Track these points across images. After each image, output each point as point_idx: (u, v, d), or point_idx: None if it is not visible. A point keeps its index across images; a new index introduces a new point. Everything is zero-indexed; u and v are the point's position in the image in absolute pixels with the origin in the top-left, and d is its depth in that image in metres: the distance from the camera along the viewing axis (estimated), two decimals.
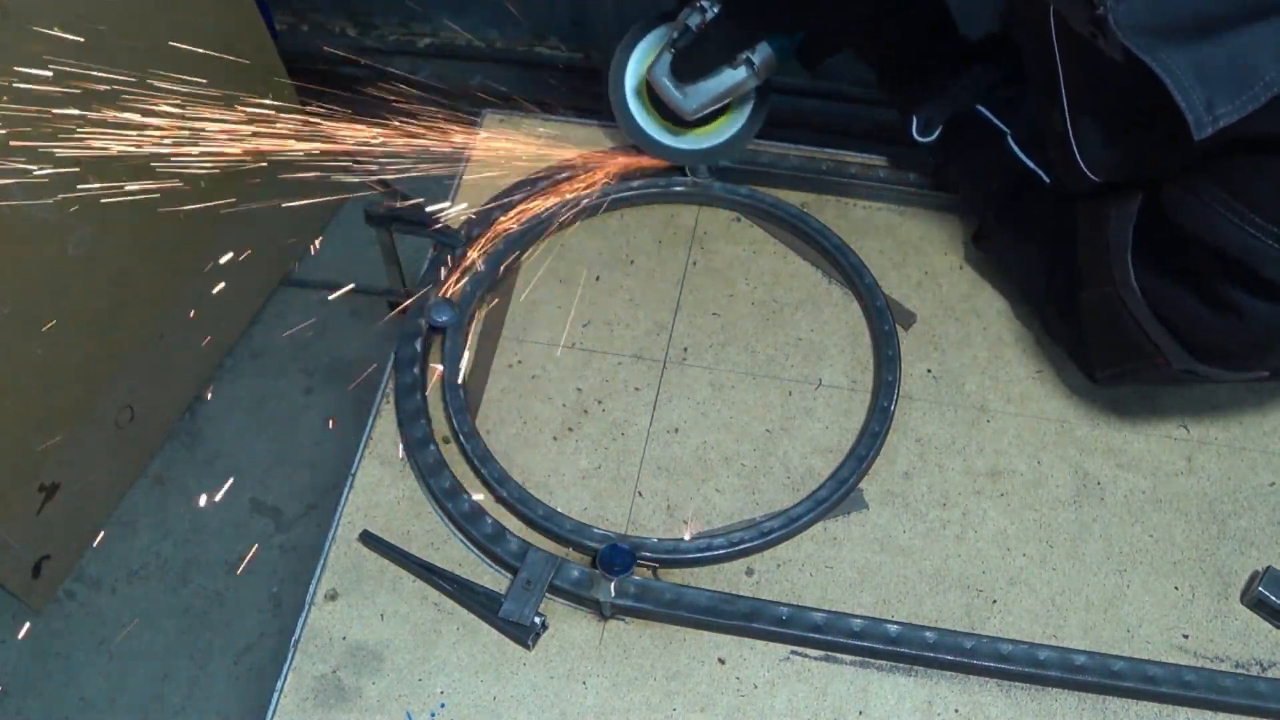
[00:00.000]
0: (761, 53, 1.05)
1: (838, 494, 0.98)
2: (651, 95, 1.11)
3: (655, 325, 1.11)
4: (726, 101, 1.09)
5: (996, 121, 1.07)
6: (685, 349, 1.09)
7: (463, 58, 2.08)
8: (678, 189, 1.18)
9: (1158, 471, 1.02)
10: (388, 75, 2.10)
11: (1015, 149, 1.05)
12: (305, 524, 1.90)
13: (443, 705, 0.89)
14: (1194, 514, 0.99)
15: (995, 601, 0.94)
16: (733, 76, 1.06)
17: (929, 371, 1.08)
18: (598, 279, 1.14)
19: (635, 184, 1.18)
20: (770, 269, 1.15)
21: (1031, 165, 1.04)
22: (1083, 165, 0.84)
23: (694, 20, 1.04)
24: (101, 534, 1.86)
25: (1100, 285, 0.92)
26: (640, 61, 1.13)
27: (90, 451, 1.76)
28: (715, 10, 1.03)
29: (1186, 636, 0.93)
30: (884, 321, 1.08)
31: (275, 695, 0.90)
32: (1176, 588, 0.95)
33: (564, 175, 1.16)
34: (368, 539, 0.96)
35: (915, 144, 1.11)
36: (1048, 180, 1.03)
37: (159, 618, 1.80)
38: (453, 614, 0.93)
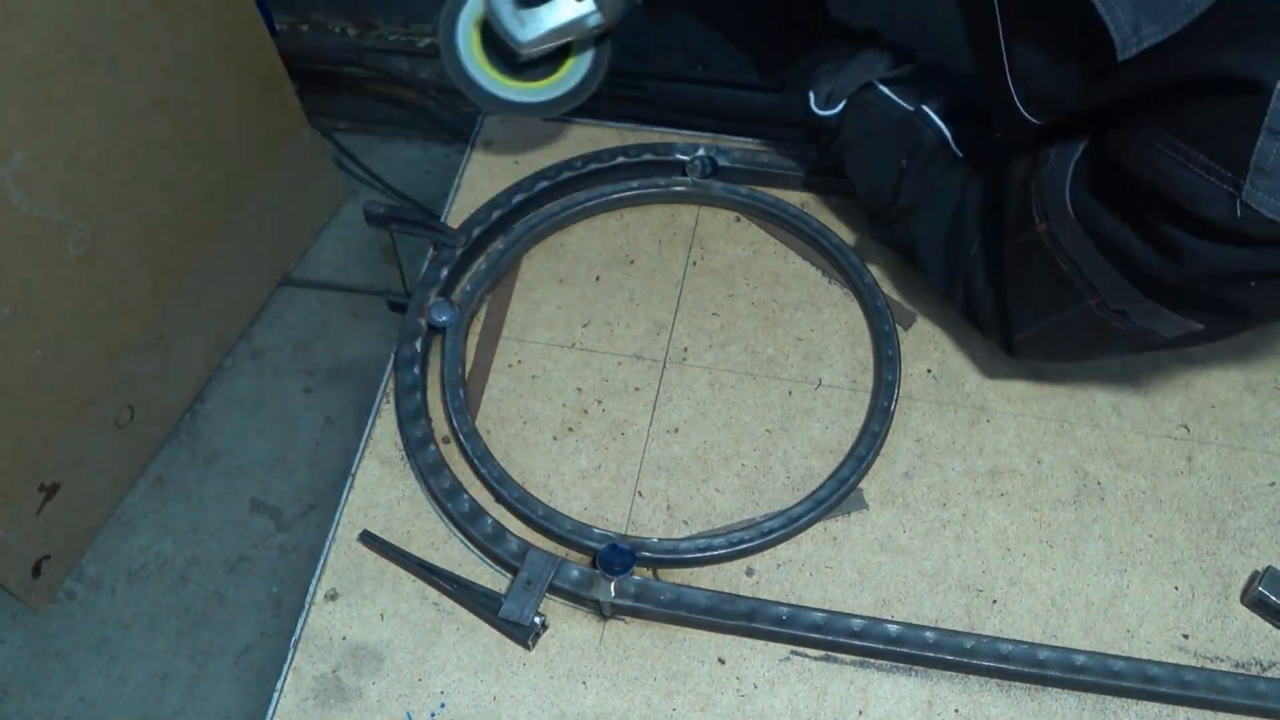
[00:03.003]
0: None
1: (838, 494, 0.98)
2: (489, 41, 1.02)
3: (655, 325, 1.11)
4: (566, 41, 1.00)
5: (903, 102, 1.05)
6: (685, 349, 1.09)
7: None
8: (678, 189, 1.18)
9: (1158, 471, 1.02)
10: (388, 75, 2.11)
11: (935, 118, 1.04)
12: (305, 524, 1.90)
13: (443, 705, 0.89)
14: (1194, 514, 0.99)
15: (995, 601, 0.94)
16: (575, 8, 0.97)
17: (929, 371, 1.08)
18: (598, 279, 1.14)
19: (635, 184, 1.18)
20: (770, 269, 1.15)
21: (949, 134, 1.03)
22: (1020, 106, 0.84)
23: None
24: (101, 534, 1.86)
25: (1029, 229, 0.91)
26: (476, 9, 1.03)
27: (90, 451, 1.76)
28: None
29: (1186, 636, 0.93)
30: (884, 321, 1.08)
31: (275, 695, 0.90)
32: (1176, 588, 0.95)
33: (564, 175, 1.16)
34: (368, 539, 0.96)
35: (814, 118, 1.08)
36: (960, 153, 1.02)
37: (159, 618, 1.80)
38: (453, 614, 0.93)
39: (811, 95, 1.08)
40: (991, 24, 0.82)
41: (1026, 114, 0.84)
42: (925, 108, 1.05)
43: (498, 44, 1.01)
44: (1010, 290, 0.98)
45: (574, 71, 1.05)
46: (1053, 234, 0.89)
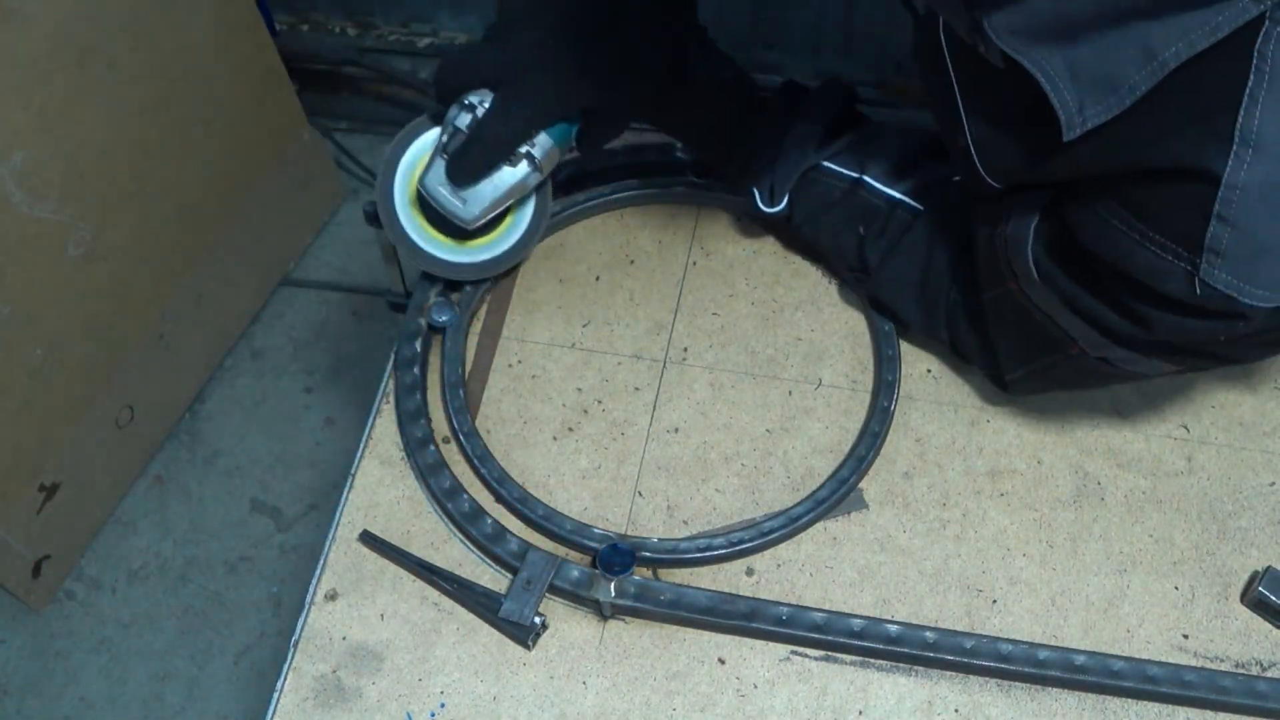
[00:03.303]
0: (543, 145, 0.95)
1: (838, 494, 0.98)
2: (428, 207, 1.00)
3: (655, 325, 1.11)
4: (509, 203, 0.99)
5: (845, 171, 1.05)
6: (685, 349, 1.09)
7: None
8: (678, 189, 1.18)
9: (1158, 471, 1.02)
10: (388, 75, 2.11)
11: (878, 185, 1.03)
12: (305, 524, 1.90)
13: (443, 705, 0.89)
14: (1194, 514, 0.99)
15: (995, 601, 0.94)
16: (514, 175, 0.95)
17: (929, 371, 1.08)
18: (598, 279, 1.14)
19: (635, 184, 1.18)
20: (770, 269, 1.15)
21: (898, 195, 1.03)
22: (982, 172, 0.85)
23: (464, 120, 0.93)
24: (101, 534, 1.87)
25: (1001, 284, 0.92)
26: (410, 170, 1.01)
27: (90, 451, 1.76)
28: (485, 105, 0.93)
29: (1186, 636, 0.93)
30: (884, 321, 1.08)
31: (275, 695, 0.90)
32: (1176, 588, 0.95)
33: (563, 175, 1.16)
34: (368, 539, 0.96)
35: (764, 216, 1.08)
36: (919, 205, 1.03)
37: (159, 618, 1.80)
38: (453, 614, 0.93)
39: (755, 193, 1.07)
40: (951, 95, 0.83)
41: (987, 178, 0.85)
42: (866, 178, 1.04)
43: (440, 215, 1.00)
44: (993, 336, 0.99)
45: (519, 219, 1.05)
46: (1023, 291, 0.90)
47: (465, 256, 1.04)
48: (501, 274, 1.09)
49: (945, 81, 0.83)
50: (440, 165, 0.96)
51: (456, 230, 1.01)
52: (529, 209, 1.05)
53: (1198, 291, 0.73)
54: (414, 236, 1.02)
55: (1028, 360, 0.96)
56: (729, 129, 1.08)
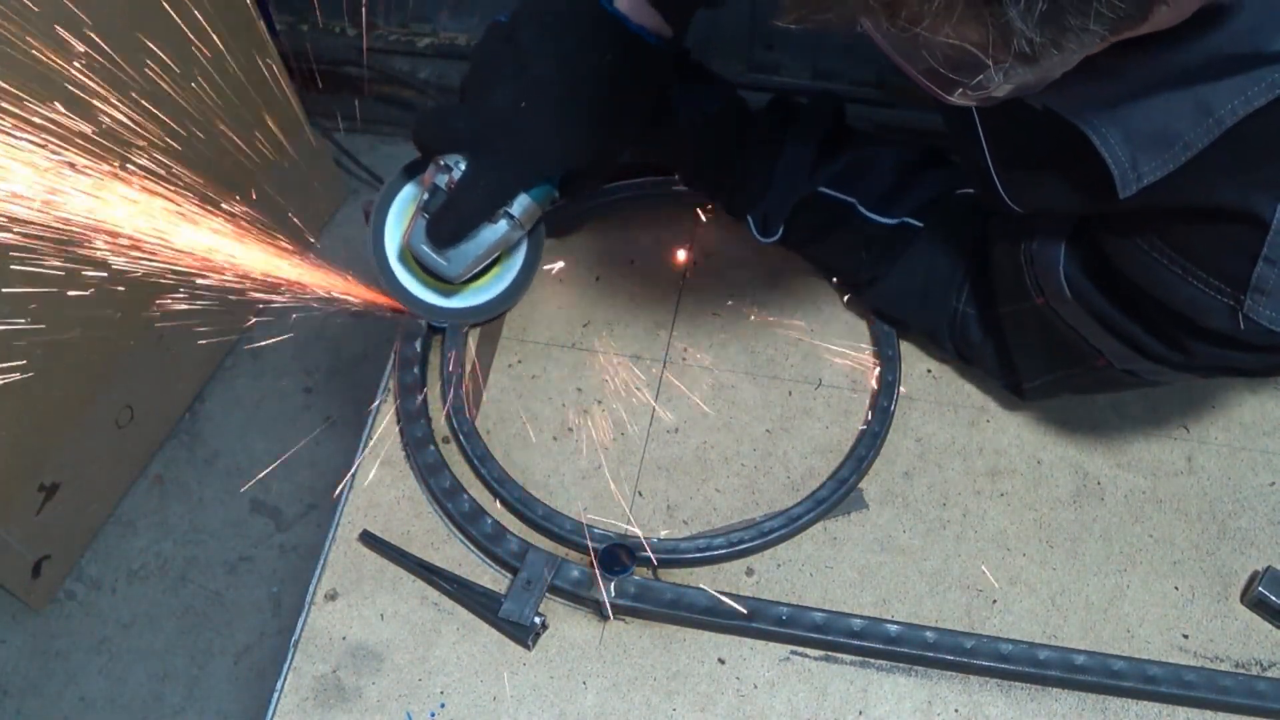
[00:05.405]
0: (521, 203, 0.94)
1: (838, 494, 0.98)
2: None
3: (655, 325, 1.11)
4: (495, 256, 0.99)
5: (841, 196, 1.03)
6: (685, 349, 1.09)
7: (463, 58, 2.08)
8: (678, 189, 1.18)
9: (1158, 471, 1.02)
10: (388, 75, 2.11)
11: (869, 215, 1.02)
12: (305, 524, 1.90)
13: (443, 705, 0.89)
14: (1194, 514, 0.99)
15: (995, 601, 0.94)
16: (495, 232, 0.95)
17: (929, 371, 1.08)
18: (598, 279, 1.14)
19: (635, 184, 1.18)
20: (770, 269, 1.15)
21: (896, 221, 1.02)
22: (1009, 201, 0.83)
23: (441, 179, 0.93)
24: (101, 534, 1.87)
25: (1024, 299, 0.91)
26: (398, 224, 1.02)
27: (90, 451, 1.76)
28: (461, 166, 0.92)
29: (1186, 636, 0.93)
30: (884, 321, 1.08)
31: (275, 695, 0.90)
32: (1176, 588, 0.95)
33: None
34: (368, 539, 0.96)
35: (761, 244, 1.07)
36: (918, 223, 1.02)
37: (159, 618, 1.80)
38: (453, 614, 0.93)
39: (750, 221, 1.07)
40: (970, 120, 0.81)
41: (1014, 206, 0.84)
42: (863, 208, 1.03)
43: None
44: (1012, 349, 0.99)
45: (509, 266, 1.03)
46: (1052, 308, 0.90)
47: (460, 302, 1.03)
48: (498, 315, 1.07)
49: (972, 134, 0.81)
50: (423, 224, 0.95)
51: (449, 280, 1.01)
52: (520, 254, 1.03)
53: (1241, 326, 0.73)
54: (409, 287, 1.02)
55: (1048, 371, 0.97)
56: (718, 161, 1.07)
